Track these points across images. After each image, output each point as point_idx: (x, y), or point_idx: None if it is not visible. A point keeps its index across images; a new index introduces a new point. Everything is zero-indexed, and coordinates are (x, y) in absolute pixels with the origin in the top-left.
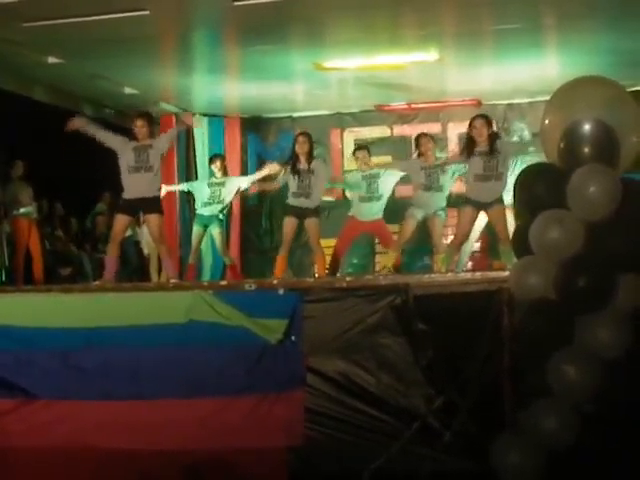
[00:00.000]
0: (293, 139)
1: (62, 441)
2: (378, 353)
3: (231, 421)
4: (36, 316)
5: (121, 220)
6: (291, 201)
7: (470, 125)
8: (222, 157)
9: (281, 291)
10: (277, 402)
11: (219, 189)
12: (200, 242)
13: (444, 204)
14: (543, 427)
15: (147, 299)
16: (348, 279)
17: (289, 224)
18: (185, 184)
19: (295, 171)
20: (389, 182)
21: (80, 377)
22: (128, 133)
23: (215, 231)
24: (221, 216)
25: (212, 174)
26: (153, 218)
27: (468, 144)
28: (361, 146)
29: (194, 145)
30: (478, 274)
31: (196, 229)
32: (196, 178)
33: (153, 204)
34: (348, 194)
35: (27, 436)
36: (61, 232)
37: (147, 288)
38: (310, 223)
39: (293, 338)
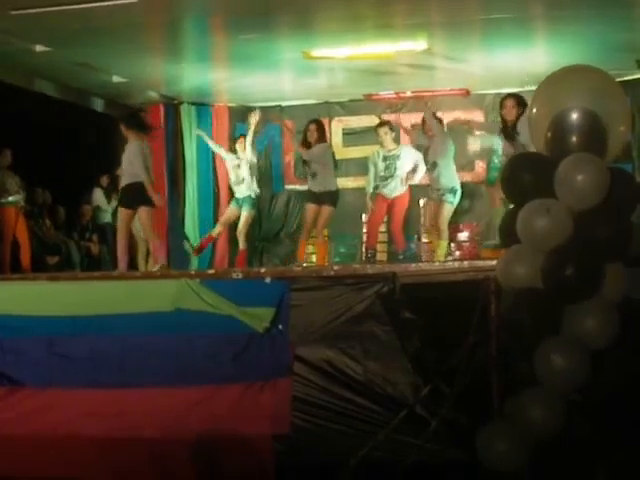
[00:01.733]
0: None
1: (48, 429)
2: (365, 342)
3: (218, 409)
4: (22, 304)
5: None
6: (309, 185)
7: (501, 105)
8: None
9: (268, 280)
10: (264, 391)
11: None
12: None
13: (452, 186)
14: (530, 416)
15: (134, 287)
16: (335, 268)
17: (308, 209)
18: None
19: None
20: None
21: (67, 365)
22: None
23: (245, 212)
24: (253, 195)
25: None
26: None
27: (502, 124)
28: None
29: (182, 134)
30: (465, 263)
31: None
32: (184, 167)
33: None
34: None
35: (13, 424)
36: (49, 221)
37: (134, 276)
38: (323, 210)
39: (280, 327)
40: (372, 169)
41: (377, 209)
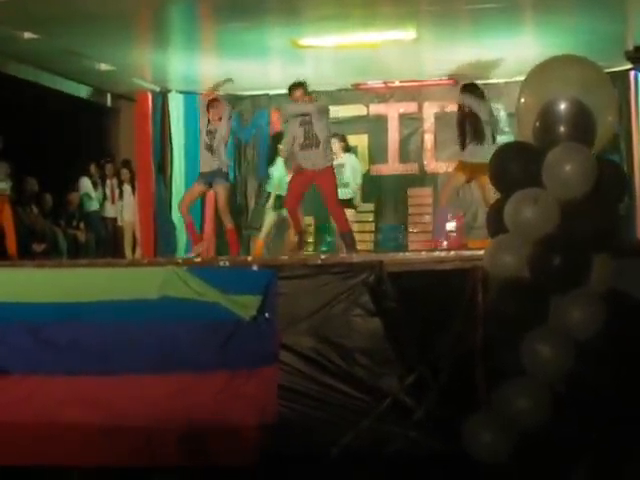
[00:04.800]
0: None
1: (33, 416)
2: (351, 330)
3: (203, 397)
4: (7, 291)
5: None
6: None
7: None
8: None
9: (255, 267)
10: (250, 379)
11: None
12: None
13: None
14: (515, 406)
15: (119, 275)
16: (322, 257)
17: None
18: None
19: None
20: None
21: (51, 352)
22: (105, 111)
23: (220, 186)
24: (225, 168)
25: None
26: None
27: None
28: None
29: (169, 122)
30: (452, 252)
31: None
32: (171, 156)
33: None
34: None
35: None
36: (36, 208)
37: (120, 264)
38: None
39: (267, 315)
40: None
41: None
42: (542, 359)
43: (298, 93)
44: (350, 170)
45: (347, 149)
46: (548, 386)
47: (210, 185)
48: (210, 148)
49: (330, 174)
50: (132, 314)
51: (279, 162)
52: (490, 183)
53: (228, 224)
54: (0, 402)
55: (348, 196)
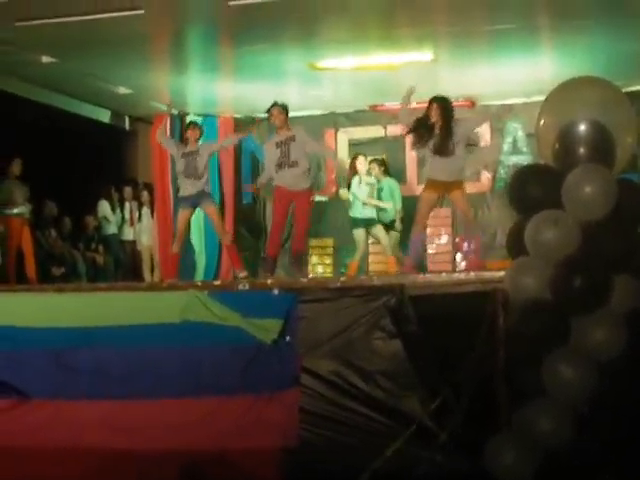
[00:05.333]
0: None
1: (55, 441)
2: (372, 353)
3: (225, 421)
4: (29, 315)
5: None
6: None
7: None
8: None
9: (276, 291)
10: (271, 402)
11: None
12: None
13: None
14: (538, 428)
15: (141, 299)
16: (342, 279)
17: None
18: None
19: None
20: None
21: (73, 376)
22: (124, 134)
23: (208, 207)
24: (207, 190)
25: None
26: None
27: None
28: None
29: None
30: (472, 274)
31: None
32: None
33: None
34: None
35: (21, 435)
36: (55, 232)
37: (140, 288)
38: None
39: (288, 338)
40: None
41: None
42: (564, 380)
43: (275, 112)
44: (389, 193)
45: (387, 172)
46: (570, 407)
47: (194, 207)
48: (192, 171)
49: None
50: (154, 338)
51: (355, 181)
52: (464, 196)
53: (226, 241)
54: (21, 427)
55: (388, 219)
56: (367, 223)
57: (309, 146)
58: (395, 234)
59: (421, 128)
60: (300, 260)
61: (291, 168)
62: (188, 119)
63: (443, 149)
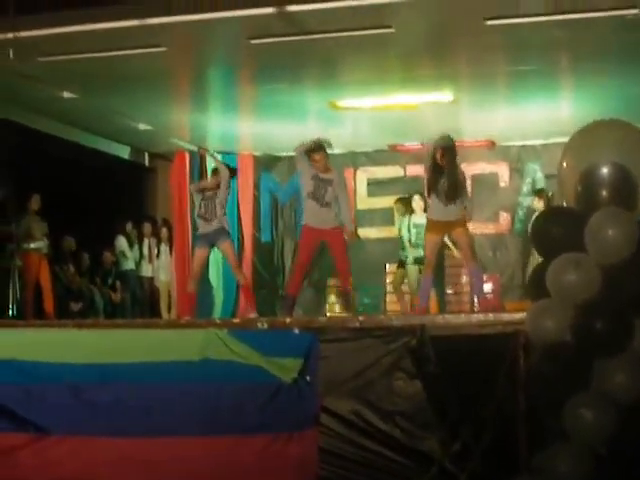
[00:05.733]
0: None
1: (73, 477)
2: (393, 394)
3: (244, 460)
4: (49, 351)
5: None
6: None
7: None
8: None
9: (296, 330)
10: (290, 441)
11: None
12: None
13: None
14: (558, 470)
15: (160, 336)
16: (361, 318)
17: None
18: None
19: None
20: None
21: (92, 413)
22: (143, 170)
23: (224, 243)
24: (225, 226)
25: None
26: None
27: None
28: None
29: None
30: (491, 316)
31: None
32: None
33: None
34: None
35: (39, 471)
36: (73, 267)
37: (158, 325)
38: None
39: (308, 378)
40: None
41: None
42: (584, 423)
43: (318, 156)
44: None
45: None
46: (590, 450)
47: (212, 245)
48: (210, 214)
49: (340, 234)
50: (173, 376)
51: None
52: (466, 235)
53: (242, 280)
54: (40, 462)
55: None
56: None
57: (340, 196)
58: None
59: (435, 175)
60: (349, 298)
61: (324, 208)
62: (208, 156)
63: (450, 193)
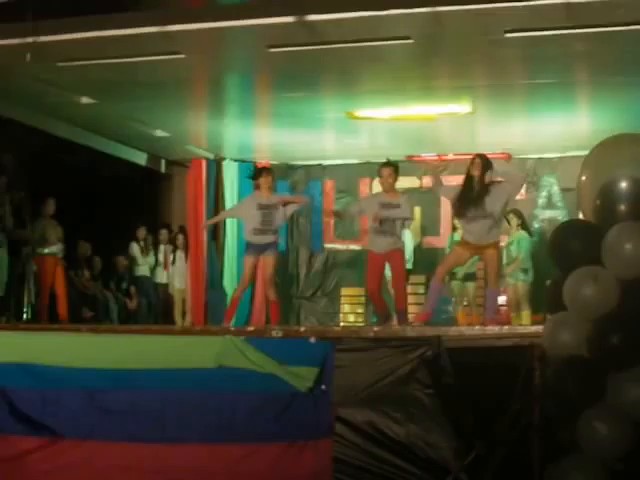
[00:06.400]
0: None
1: None
2: (408, 405)
3: (258, 468)
4: (64, 355)
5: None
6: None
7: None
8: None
9: (313, 339)
10: (305, 451)
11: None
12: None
13: None
14: None
15: (176, 343)
16: (375, 329)
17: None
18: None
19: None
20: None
21: (107, 418)
22: (159, 177)
23: (270, 257)
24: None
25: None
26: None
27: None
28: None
29: (223, 191)
30: (506, 328)
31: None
32: (224, 224)
33: None
34: None
35: (52, 476)
36: (87, 272)
37: (174, 331)
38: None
39: (323, 387)
40: None
41: None
42: (599, 437)
43: (386, 173)
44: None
45: (523, 227)
46: (605, 465)
47: (260, 254)
48: (267, 226)
49: (400, 256)
50: (189, 383)
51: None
52: (497, 257)
53: (272, 296)
54: (54, 467)
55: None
56: None
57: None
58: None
59: (467, 196)
60: (405, 316)
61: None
62: (225, 164)
63: (479, 213)
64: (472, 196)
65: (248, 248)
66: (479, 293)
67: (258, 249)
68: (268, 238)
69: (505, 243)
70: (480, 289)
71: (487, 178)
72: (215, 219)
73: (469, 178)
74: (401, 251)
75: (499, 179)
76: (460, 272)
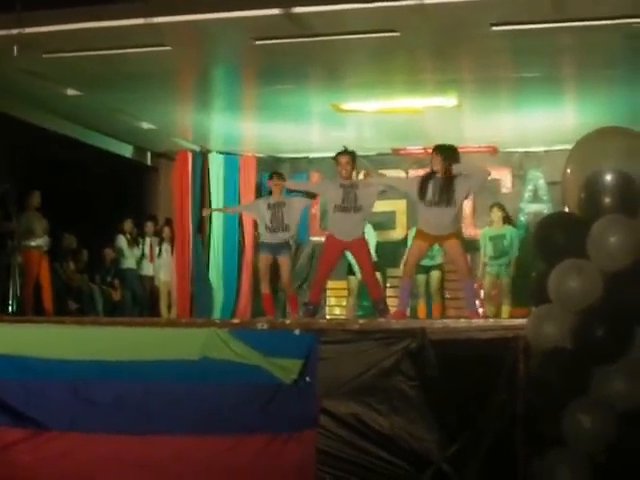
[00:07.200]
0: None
1: (71, 473)
2: (392, 397)
3: (242, 460)
4: (48, 347)
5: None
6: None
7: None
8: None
9: (297, 331)
10: (289, 442)
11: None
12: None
13: None
14: (556, 476)
15: (161, 334)
16: (361, 321)
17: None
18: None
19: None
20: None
21: (91, 410)
22: (145, 169)
23: (285, 256)
24: (290, 241)
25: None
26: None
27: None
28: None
29: (209, 183)
30: (491, 320)
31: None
32: (210, 215)
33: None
34: None
35: (36, 467)
36: (72, 265)
37: (159, 323)
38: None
39: (307, 379)
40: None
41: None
42: (583, 429)
43: (344, 160)
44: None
45: (508, 220)
46: (588, 456)
47: (275, 254)
48: (278, 225)
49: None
50: (173, 375)
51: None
52: (458, 246)
53: (289, 293)
54: (38, 458)
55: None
56: None
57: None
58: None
59: (427, 187)
60: (385, 304)
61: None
62: (211, 157)
63: (438, 201)
64: (432, 187)
65: (262, 247)
66: (451, 286)
67: (272, 248)
68: (280, 236)
69: (490, 235)
70: (450, 282)
71: (452, 169)
72: (225, 209)
73: (430, 171)
74: (364, 240)
75: (463, 173)
76: (425, 263)
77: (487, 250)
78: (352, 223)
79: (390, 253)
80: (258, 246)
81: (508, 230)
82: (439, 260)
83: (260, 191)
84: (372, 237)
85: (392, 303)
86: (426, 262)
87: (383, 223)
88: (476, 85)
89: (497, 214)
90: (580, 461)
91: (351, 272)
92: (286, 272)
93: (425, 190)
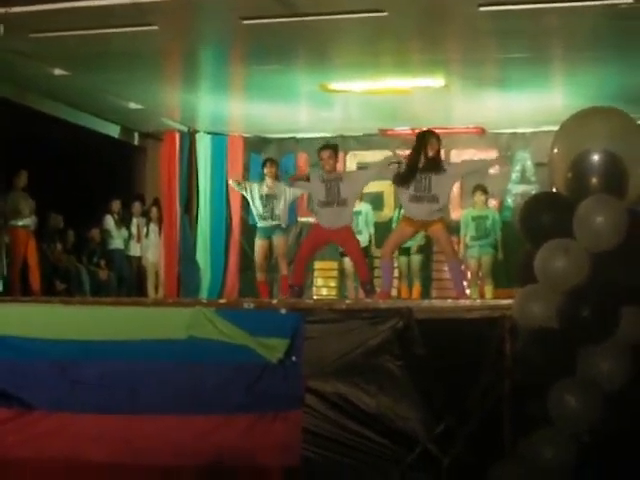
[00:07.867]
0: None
1: (57, 453)
2: (378, 376)
3: (228, 439)
4: (34, 327)
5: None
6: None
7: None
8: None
9: (283, 311)
10: (275, 422)
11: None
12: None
13: None
14: (542, 456)
15: (147, 314)
16: (347, 301)
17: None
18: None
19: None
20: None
21: (77, 389)
22: (132, 150)
23: (280, 238)
24: (283, 225)
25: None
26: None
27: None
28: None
29: (196, 163)
30: (478, 300)
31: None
32: (198, 196)
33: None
34: None
35: (22, 447)
36: (60, 245)
37: (145, 303)
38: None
39: (294, 358)
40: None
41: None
42: (569, 409)
43: (326, 155)
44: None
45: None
46: (574, 436)
47: (270, 237)
48: (269, 213)
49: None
50: (159, 354)
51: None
52: (444, 231)
53: (284, 271)
54: (23, 437)
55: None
56: None
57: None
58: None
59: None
60: (372, 286)
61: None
62: (198, 137)
63: (422, 197)
64: (416, 182)
65: (258, 232)
66: (436, 267)
67: (265, 232)
68: (271, 222)
69: (473, 215)
70: (436, 263)
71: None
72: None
73: (419, 154)
74: (349, 228)
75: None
76: (409, 246)
77: (469, 230)
78: (336, 216)
79: (378, 233)
80: (256, 231)
81: (491, 212)
82: (420, 241)
83: (248, 171)
84: (371, 216)
85: (379, 283)
86: (407, 243)
87: (371, 204)
88: (464, 66)
89: (480, 197)
90: (566, 440)
91: (344, 254)
92: (282, 249)
93: (408, 183)
